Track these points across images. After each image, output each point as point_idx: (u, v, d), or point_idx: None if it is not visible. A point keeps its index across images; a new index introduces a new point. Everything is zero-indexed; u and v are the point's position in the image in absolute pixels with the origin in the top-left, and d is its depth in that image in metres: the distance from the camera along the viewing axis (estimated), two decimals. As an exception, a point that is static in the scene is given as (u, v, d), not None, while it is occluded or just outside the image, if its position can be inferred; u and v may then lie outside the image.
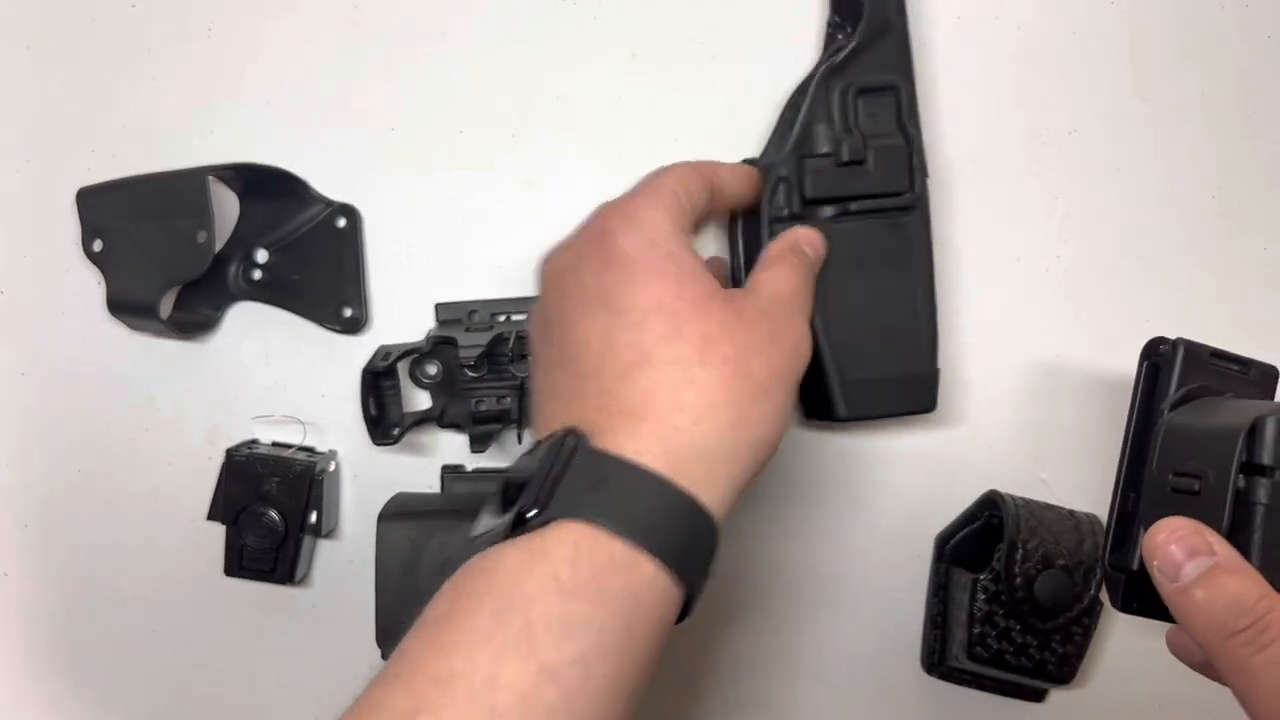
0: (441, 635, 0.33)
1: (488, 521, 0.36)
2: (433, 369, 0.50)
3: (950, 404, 0.50)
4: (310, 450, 0.50)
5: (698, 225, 0.43)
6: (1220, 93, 0.50)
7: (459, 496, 0.49)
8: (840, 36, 0.47)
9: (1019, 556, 0.46)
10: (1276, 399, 0.39)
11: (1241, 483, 0.33)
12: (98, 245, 0.49)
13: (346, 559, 0.51)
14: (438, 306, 0.50)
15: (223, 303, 0.51)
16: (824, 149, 0.46)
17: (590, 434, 0.36)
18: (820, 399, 0.46)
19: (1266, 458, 0.33)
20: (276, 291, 0.51)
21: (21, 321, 0.51)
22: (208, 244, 0.45)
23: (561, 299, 0.39)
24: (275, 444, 0.50)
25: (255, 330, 0.51)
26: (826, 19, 0.48)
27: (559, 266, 0.40)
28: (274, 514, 0.48)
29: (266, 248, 0.51)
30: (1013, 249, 0.50)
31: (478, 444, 0.48)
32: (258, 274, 0.51)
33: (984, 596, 0.47)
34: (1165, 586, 0.33)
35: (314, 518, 0.49)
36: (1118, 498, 0.39)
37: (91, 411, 0.51)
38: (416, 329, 0.50)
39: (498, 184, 0.50)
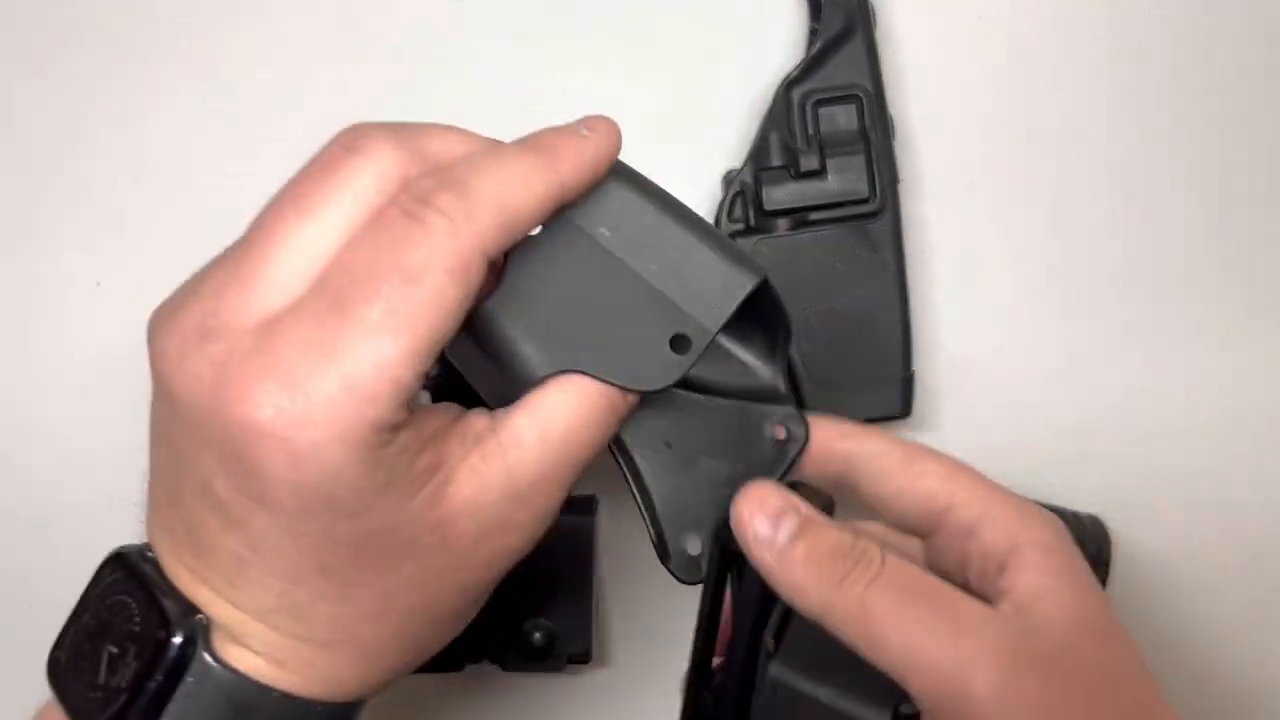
0: None
1: None
2: (434, 369, 0.50)
3: (951, 404, 0.50)
4: (310, 451, 0.50)
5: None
6: (1223, 94, 0.51)
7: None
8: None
9: (1020, 558, 0.46)
10: None
11: None
12: None
13: (347, 560, 0.51)
14: (438, 307, 0.50)
15: None
16: (779, 161, 0.47)
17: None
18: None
19: None
20: None
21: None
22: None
23: (178, 474, 0.30)
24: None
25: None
26: (808, 26, 0.49)
27: (164, 423, 0.30)
28: (274, 515, 0.49)
29: None
30: (1015, 250, 0.51)
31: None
32: None
33: (985, 598, 0.47)
34: (765, 557, 0.32)
35: (314, 518, 0.49)
36: (689, 690, 0.37)
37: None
38: (417, 330, 0.50)
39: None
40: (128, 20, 0.51)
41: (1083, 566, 0.33)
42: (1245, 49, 0.51)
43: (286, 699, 0.30)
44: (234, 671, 0.29)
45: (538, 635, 0.45)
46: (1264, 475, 0.50)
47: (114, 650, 0.30)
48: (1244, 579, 0.50)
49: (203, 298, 0.29)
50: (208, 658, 0.29)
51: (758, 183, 0.47)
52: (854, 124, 0.47)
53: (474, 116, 0.51)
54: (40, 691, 0.33)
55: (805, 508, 0.33)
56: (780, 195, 0.47)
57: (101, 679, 0.30)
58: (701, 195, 0.50)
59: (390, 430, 0.28)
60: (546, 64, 0.51)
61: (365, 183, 0.30)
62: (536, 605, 0.45)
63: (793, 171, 0.47)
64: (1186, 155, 0.51)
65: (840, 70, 0.47)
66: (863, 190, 0.47)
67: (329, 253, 0.29)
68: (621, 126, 0.51)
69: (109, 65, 0.51)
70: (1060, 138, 0.51)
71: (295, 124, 0.51)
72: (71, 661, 0.31)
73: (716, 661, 0.37)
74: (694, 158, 0.50)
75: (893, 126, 0.48)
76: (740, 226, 0.48)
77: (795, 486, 0.34)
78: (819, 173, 0.47)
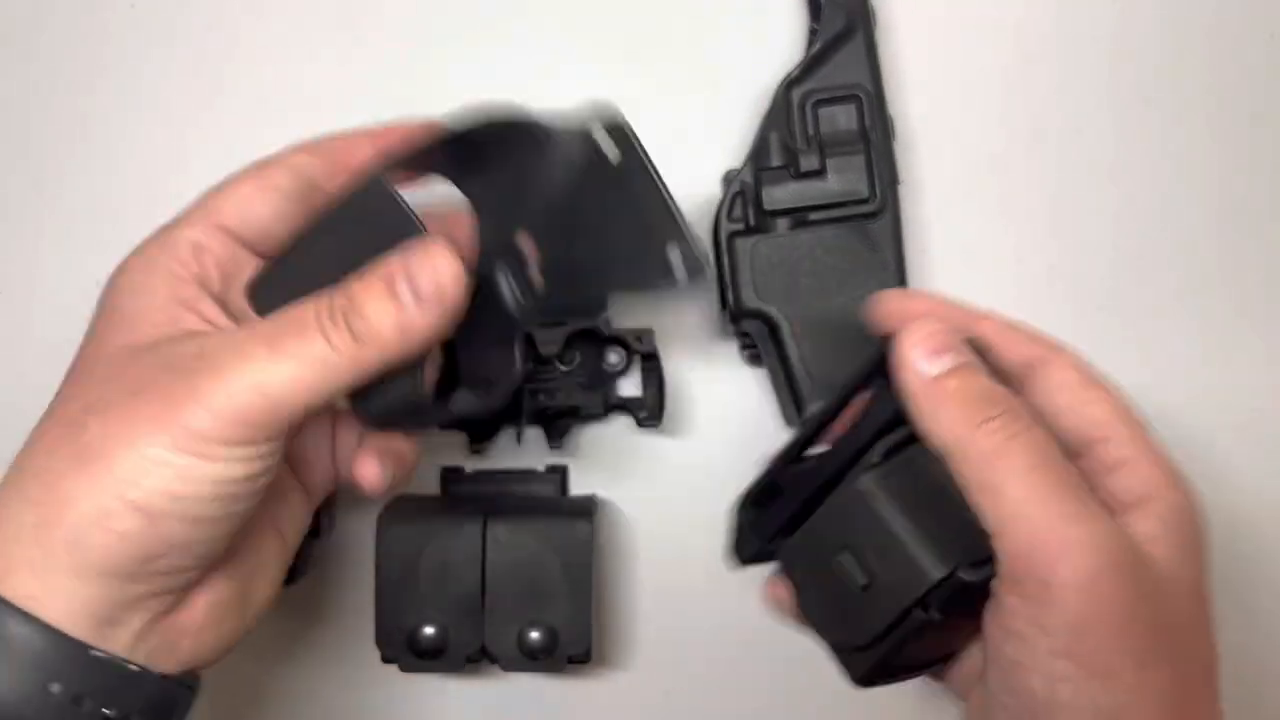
0: None
1: None
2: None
3: (951, 405, 0.50)
4: (310, 451, 0.50)
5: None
6: (1224, 92, 0.51)
7: (459, 499, 0.50)
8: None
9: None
10: None
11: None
12: None
13: (346, 561, 0.51)
14: (437, 308, 0.50)
15: (511, 340, 0.37)
16: (779, 161, 0.47)
17: None
18: (793, 406, 0.47)
19: (934, 610, 0.33)
20: (573, 286, 0.37)
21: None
22: None
23: None
24: (275, 445, 0.50)
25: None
26: (808, 26, 0.49)
27: None
28: (273, 515, 0.49)
29: (529, 230, 0.37)
30: (1015, 250, 0.51)
31: (477, 445, 0.49)
32: (538, 276, 0.37)
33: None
34: (913, 381, 0.33)
35: (313, 518, 0.49)
36: (777, 460, 0.38)
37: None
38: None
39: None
40: (127, 19, 0.52)
41: (1202, 539, 0.34)
42: (1245, 49, 0.51)
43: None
44: None
45: (538, 635, 0.45)
46: (1263, 475, 0.50)
47: None
48: (1242, 577, 0.50)
49: None
50: None
51: (758, 183, 0.47)
52: (854, 124, 0.47)
53: (474, 116, 0.51)
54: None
55: (970, 354, 0.34)
56: (780, 195, 0.47)
57: None
58: (701, 195, 0.50)
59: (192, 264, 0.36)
60: (547, 63, 0.51)
61: None
62: (536, 605, 0.46)
63: (793, 171, 0.47)
64: (1186, 155, 0.51)
65: (840, 70, 0.48)
66: (863, 190, 0.47)
67: None
68: (634, 121, 0.51)
69: (109, 65, 0.52)
70: (1060, 138, 0.51)
71: (295, 124, 0.51)
72: None
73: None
74: (694, 158, 0.50)
75: (893, 126, 0.48)
76: (740, 226, 0.48)
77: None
78: (819, 173, 0.47)
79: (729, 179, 0.48)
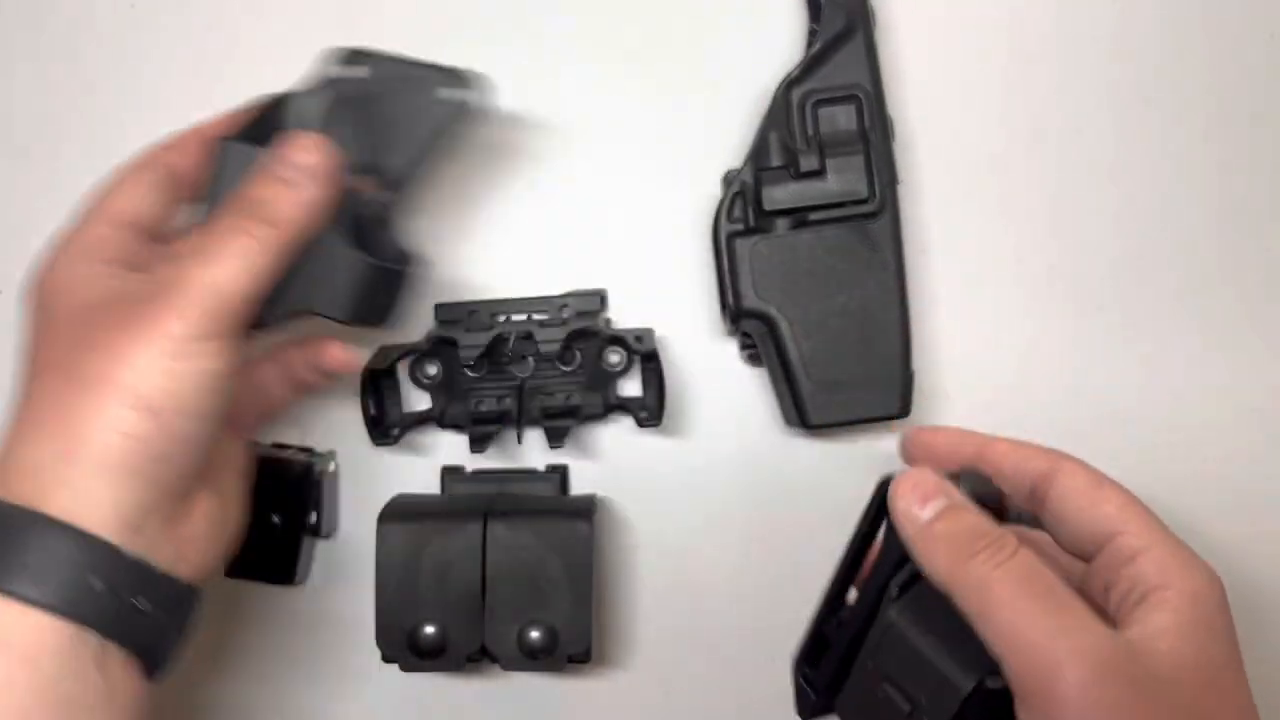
0: None
1: None
2: (432, 369, 0.50)
3: (952, 406, 0.51)
4: (310, 451, 0.51)
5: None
6: (1224, 92, 0.51)
7: (459, 498, 0.50)
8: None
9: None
10: None
11: None
12: None
13: (346, 560, 0.51)
14: (437, 307, 0.50)
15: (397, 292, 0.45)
16: (779, 161, 0.47)
17: None
18: (793, 406, 0.47)
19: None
20: (409, 171, 0.44)
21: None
22: None
23: None
24: (275, 444, 0.50)
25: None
26: (807, 26, 0.49)
27: None
28: (274, 515, 0.49)
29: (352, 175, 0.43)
30: (1015, 250, 0.51)
31: (477, 444, 0.48)
32: (386, 194, 0.45)
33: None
34: (908, 527, 0.36)
35: (314, 519, 0.49)
36: (820, 613, 0.41)
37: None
38: (416, 329, 0.50)
39: (496, 186, 0.51)
40: (127, 19, 0.52)
41: (1224, 624, 0.35)
42: (1245, 49, 0.51)
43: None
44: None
45: (538, 635, 0.45)
46: (1263, 475, 0.50)
47: None
48: (1244, 580, 0.50)
49: None
50: None
51: (758, 183, 0.47)
52: (854, 124, 0.47)
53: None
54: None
55: (957, 495, 0.37)
56: (780, 195, 0.47)
57: None
58: (701, 195, 0.50)
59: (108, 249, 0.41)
60: (548, 63, 0.51)
61: None
62: (536, 605, 0.46)
63: (792, 171, 0.47)
64: (1186, 155, 0.51)
65: (840, 70, 0.48)
66: (862, 190, 0.47)
67: None
68: (623, 126, 0.52)
69: (109, 65, 0.52)
70: (1060, 138, 0.51)
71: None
72: None
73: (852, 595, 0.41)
74: (694, 158, 0.50)
75: (892, 127, 0.48)
76: (740, 226, 0.48)
77: (959, 477, 0.38)
78: (819, 173, 0.47)
79: (729, 179, 0.48)
